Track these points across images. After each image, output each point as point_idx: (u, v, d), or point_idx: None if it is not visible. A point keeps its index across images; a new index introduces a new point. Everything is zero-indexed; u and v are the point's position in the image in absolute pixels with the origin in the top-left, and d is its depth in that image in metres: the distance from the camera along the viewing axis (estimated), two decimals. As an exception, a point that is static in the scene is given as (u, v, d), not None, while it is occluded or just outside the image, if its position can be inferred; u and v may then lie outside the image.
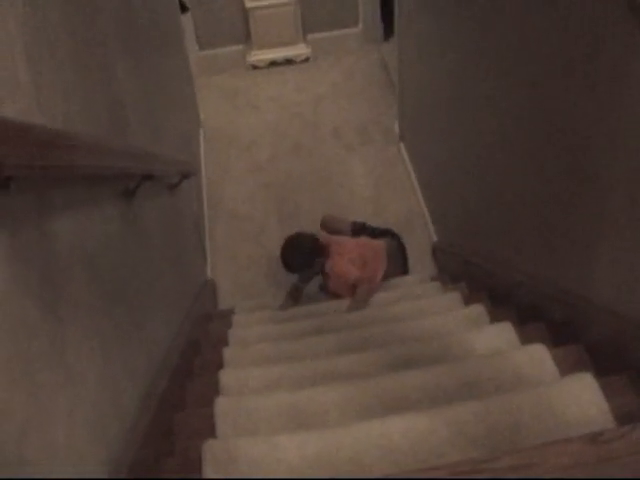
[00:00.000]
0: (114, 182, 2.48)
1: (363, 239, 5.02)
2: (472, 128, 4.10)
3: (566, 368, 2.60)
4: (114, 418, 2.00)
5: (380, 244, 4.96)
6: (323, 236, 5.01)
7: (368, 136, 6.71)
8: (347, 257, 4.65)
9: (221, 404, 2.59)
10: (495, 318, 3.47)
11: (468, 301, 3.99)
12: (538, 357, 2.66)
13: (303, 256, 4.54)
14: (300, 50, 7.87)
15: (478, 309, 3.62)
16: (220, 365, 3.31)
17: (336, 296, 4.71)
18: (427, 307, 3.95)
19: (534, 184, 3.17)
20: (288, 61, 7.89)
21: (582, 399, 2.24)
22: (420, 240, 5.72)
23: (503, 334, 3.06)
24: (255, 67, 7.83)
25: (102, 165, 2.08)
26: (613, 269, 2.49)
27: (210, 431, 2.52)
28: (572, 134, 2.65)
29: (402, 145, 6.51)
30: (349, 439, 2.19)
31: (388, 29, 7.30)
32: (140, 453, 2.08)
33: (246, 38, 7.85)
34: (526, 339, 3.00)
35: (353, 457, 2.14)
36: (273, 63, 7.86)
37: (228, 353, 3.41)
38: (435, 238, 5.63)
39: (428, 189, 5.81)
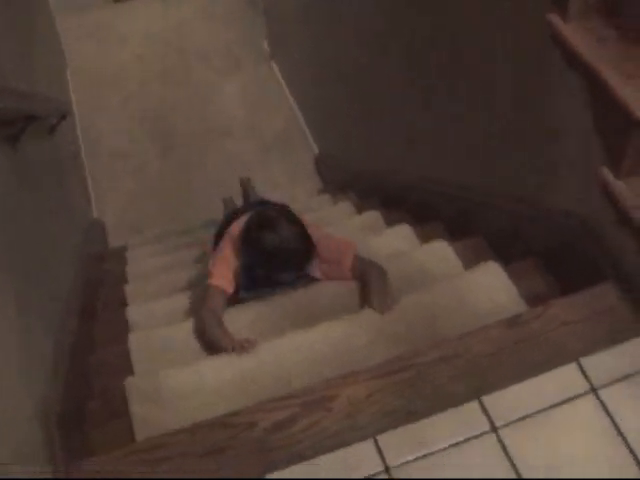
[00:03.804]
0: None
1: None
2: (347, 36, 4.07)
3: (469, 261, 2.65)
4: (37, 369, 1.94)
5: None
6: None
7: (238, 57, 6.60)
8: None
9: (134, 340, 2.54)
10: (391, 222, 3.50)
11: (361, 209, 4.02)
12: (441, 253, 2.71)
13: (308, 240, 2.44)
14: (161, -24, 7.55)
15: (373, 215, 3.65)
16: (123, 302, 3.25)
17: None
18: (322, 219, 3.96)
19: (414, 86, 3.20)
20: (150, -11, 7.57)
21: (491, 287, 2.31)
22: (302, 155, 5.72)
23: (402, 236, 3.10)
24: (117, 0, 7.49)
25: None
26: (506, 156, 2.54)
27: (126, 368, 2.47)
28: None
29: (273, 63, 6.43)
30: (269, 355, 2.19)
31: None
32: (65, 400, 2.04)
33: (105, -30, 7.49)
34: (425, 238, 3.04)
35: (276, 372, 2.15)
36: (135, -7, 7.54)
37: (129, 289, 3.35)
38: (317, 151, 5.63)
39: (305, 103, 5.78)
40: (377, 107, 3.90)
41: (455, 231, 3.04)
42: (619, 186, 1.82)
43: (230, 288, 2.56)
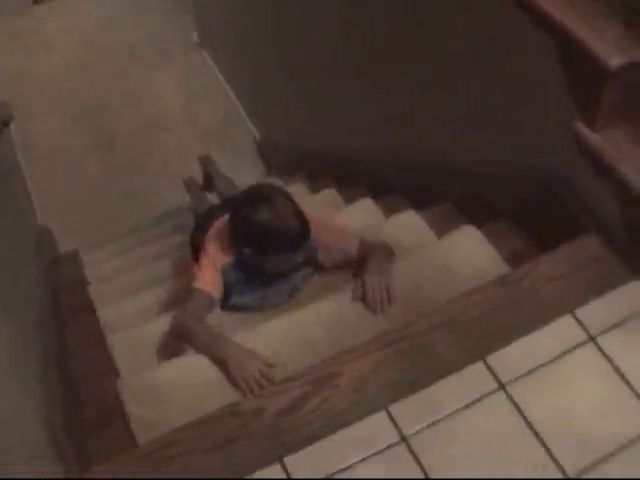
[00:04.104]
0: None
1: None
2: (284, 17, 4.05)
3: (439, 229, 2.66)
4: (33, 380, 1.92)
5: None
6: None
7: (168, 50, 6.49)
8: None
9: (115, 341, 2.51)
10: (348, 199, 3.50)
11: (314, 189, 4.01)
12: (410, 223, 2.73)
13: (304, 216, 2.25)
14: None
15: (330, 193, 3.65)
16: (88, 306, 3.19)
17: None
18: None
19: (366, 58, 3.20)
20: (71, -11, 7.37)
21: (471, 251, 2.34)
22: (243, 141, 5.69)
23: (366, 210, 3.11)
24: (36, 1, 7.25)
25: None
26: (477, 121, 2.56)
27: (110, 371, 2.44)
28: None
29: (205, 52, 6.36)
30: (262, 340, 2.18)
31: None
32: (65, 411, 2.02)
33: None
34: (388, 211, 3.05)
35: (272, 355, 2.14)
36: (55, -6, 7.33)
37: (94, 291, 3.30)
38: (258, 136, 5.60)
39: (242, 89, 5.74)
40: (321, 84, 3.90)
41: (418, 201, 3.04)
42: (595, 139, 1.86)
43: (217, 293, 2.31)
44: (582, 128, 1.88)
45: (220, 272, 2.32)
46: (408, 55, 2.78)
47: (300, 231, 2.19)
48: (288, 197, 2.26)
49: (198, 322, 2.21)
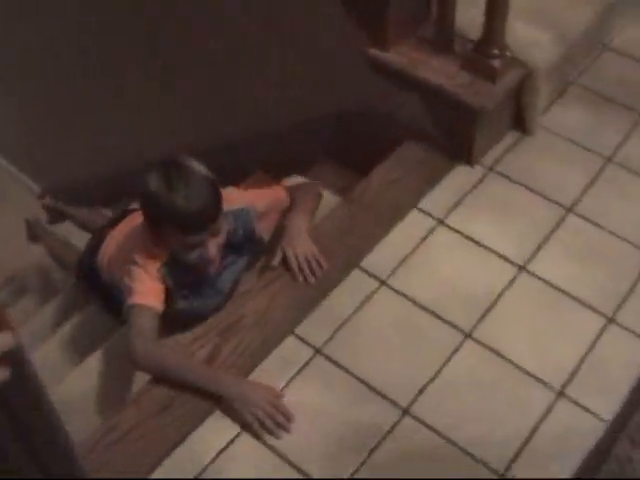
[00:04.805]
0: None
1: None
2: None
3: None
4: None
5: None
6: None
7: None
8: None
9: None
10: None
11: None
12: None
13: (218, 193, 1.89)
14: None
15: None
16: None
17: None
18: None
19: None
20: None
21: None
22: (25, 202, 5.53)
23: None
24: None
25: None
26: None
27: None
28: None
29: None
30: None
31: None
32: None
33: None
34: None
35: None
36: None
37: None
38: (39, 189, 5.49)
39: (6, 148, 5.59)
40: (83, 105, 3.96)
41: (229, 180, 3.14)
42: (390, 57, 2.14)
43: (159, 305, 1.94)
44: (375, 52, 2.15)
45: (159, 279, 1.97)
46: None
47: (199, 205, 1.81)
48: (195, 170, 1.87)
49: (180, 357, 1.92)
